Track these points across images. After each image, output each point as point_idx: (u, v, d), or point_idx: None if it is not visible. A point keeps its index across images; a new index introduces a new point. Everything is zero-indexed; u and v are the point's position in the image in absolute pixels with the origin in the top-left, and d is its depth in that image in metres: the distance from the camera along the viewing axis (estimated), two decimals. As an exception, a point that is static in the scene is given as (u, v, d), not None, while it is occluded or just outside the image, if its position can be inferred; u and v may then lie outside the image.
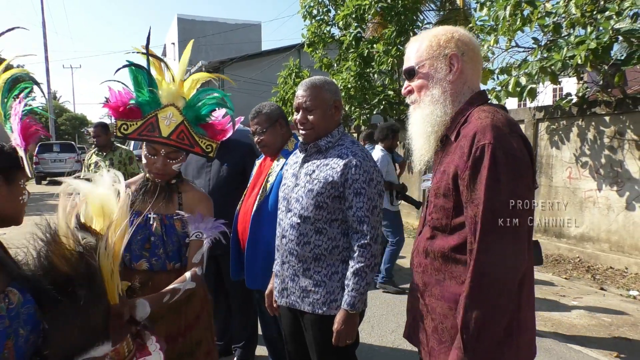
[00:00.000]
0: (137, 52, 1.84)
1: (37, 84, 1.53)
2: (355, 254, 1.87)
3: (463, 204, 1.34)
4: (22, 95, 1.43)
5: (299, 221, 1.97)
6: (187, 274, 1.82)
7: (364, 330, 3.87)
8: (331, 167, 1.92)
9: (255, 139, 2.66)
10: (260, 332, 3.16)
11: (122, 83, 1.89)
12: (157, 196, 1.95)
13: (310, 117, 1.98)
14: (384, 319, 4.28)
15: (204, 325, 2.02)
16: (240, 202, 2.75)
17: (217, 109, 1.98)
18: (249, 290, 2.81)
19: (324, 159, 1.98)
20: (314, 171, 1.97)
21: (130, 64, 1.84)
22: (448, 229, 1.41)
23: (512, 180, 1.26)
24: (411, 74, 1.51)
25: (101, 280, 1.18)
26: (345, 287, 1.88)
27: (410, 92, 1.53)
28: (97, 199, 1.39)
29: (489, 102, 1.49)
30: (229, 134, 2.05)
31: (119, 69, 1.86)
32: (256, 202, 2.55)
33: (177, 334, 1.91)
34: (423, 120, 1.48)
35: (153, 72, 1.87)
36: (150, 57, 1.83)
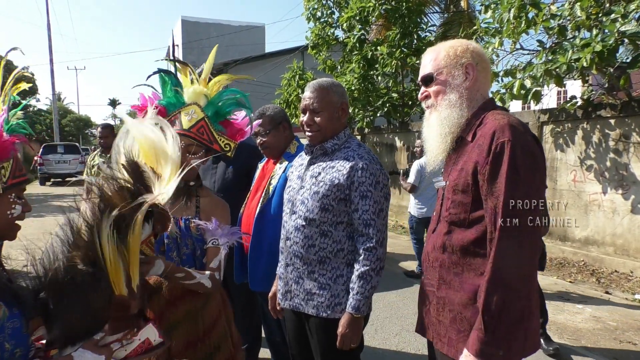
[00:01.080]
0: (167, 60, 1.95)
1: (23, 102, 1.50)
2: (361, 257, 1.86)
3: (482, 198, 1.45)
4: (5, 107, 1.36)
5: (304, 223, 1.96)
6: (207, 272, 1.84)
7: (368, 333, 3.85)
8: (337, 170, 1.91)
9: (258, 140, 2.66)
10: (263, 334, 3.15)
11: (152, 87, 1.97)
12: (176, 198, 1.95)
13: (317, 119, 1.98)
14: (387, 322, 4.26)
15: (223, 331, 1.99)
16: (243, 205, 2.74)
17: (236, 108, 2.04)
18: (252, 292, 2.80)
19: (330, 162, 1.97)
20: (319, 173, 1.96)
21: (160, 71, 1.93)
22: (466, 223, 1.52)
23: (530, 173, 1.40)
24: (428, 80, 1.64)
25: (102, 266, 1.17)
26: (350, 291, 1.87)
27: (427, 97, 1.66)
28: (149, 142, 1.45)
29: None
30: (247, 136, 2.08)
31: (150, 75, 1.95)
32: (259, 205, 2.55)
33: (196, 340, 1.89)
34: (440, 123, 1.61)
35: (179, 76, 1.97)
36: (177, 63, 1.95)
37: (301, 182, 2.03)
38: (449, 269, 1.57)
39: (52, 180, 21.19)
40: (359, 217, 1.88)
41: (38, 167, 20.37)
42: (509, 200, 1.37)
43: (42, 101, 39.86)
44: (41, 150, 20.70)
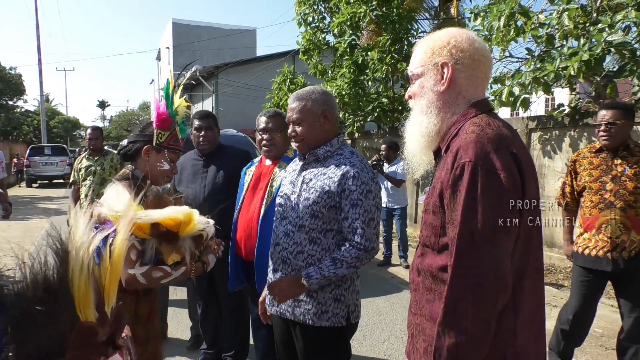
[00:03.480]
0: (182, 83, 2.12)
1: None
2: (343, 248, 1.87)
3: (446, 224, 1.29)
4: None
5: (293, 229, 1.95)
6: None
7: (356, 339, 3.84)
8: (328, 177, 1.91)
9: (266, 136, 2.62)
10: (251, 341, 3.13)
11: (167, 94, 2.05)
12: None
13: (298, 130, 2.00)
14: (376, 328, 4.26)
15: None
16: (238, 210, 2.71)
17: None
18: (242, 299, 2.78)
19: (322, 168, 1.97)
20: (311, 180, 1.96)
21: (167, 84, 2.05)
22: (437, 247, 1.35)
23: (492, 201, 1.20)
24: (408, 79, 1.49)
25: (67, 291, 1.11)
26: (324, 266, 1.87)
27: (410, 97, 1.49)
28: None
29: (492, 110, 1.40)
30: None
31: (180, 84, 2.13)
32: (263, 207, 2.53)
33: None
34: (412, 129, 1.47)
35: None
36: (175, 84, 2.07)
37: (292, 188, 2.03)
38: (422, 294, 1.41)
39: (38, 182, 20.93)
40: (348, 226, 1.87)
41: (24, 169, 20.13)
42: (465, 232, 1.20)
43: (29, 102, 39.49)
44: (28, 151, 20.46)
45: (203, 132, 3.12)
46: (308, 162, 2.04)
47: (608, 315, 4.67)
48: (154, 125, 2.02)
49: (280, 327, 2.10)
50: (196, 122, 3.15)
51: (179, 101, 2.05)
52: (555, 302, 5.08)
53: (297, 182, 2.02)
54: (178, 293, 4.75)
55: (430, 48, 1.40)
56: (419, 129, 1.43)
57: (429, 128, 1.40)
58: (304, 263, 1.93)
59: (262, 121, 2.64)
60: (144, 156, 2.03)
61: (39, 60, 25.52)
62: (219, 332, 3.35)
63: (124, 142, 2.16)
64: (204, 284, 3.29)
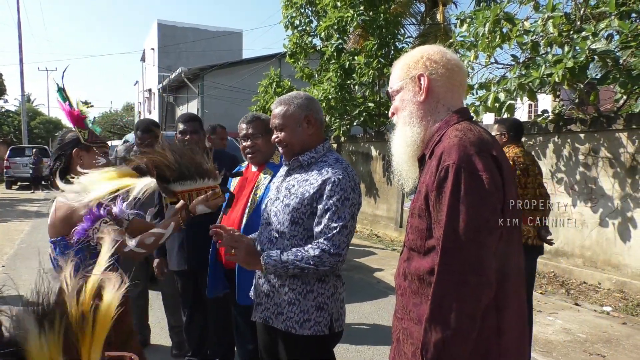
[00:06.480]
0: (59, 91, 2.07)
1: None
2: (309, 245, 1.83)
3: (432, 225, 1.34)
4: None
5: (276, 236, 1.93)
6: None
7: (341, 345, 3.81)
8: (310, 183, 1.89)
9: (248, 143, 2.58)
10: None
11: (63, 97, 2.07)
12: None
13: (281, 135, 1.98)
14: (362, 333, 4.23)
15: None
16: (220, 215, 2.66)
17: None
18: (228, 306, 2.73)
19: (305, 174, 1.95)
20: (293, 186, 1.95)
21: (60, 88, 2.08)
22: (422, 250, 1.39)
23: (475, 201, 1.25)
24: (389, 96, 1.58)
25: None
26: (287, 253, 1.83)
27: (393, 114, 1.57)
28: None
29: (472, 119, 1.48)
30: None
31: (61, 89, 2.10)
32: (245, 215, 2.48)
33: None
34: (397, 142, 1.54)
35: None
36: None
37: (277, 194, 2.01)
38: (409, 298, 1.44)
39: (18, 184, 20.54)
40: (320, 231, 1.83)
41: (5, 170, 19.74)
42: (450, 231, 1.25)
43: (10, 102, 38.71)
44: (8, 152, 20.06)
45: (188, 136, 3.06)
46: (292, 168, 2.02)
47: (591, 320, 4.72)
48: (73, 125, 2.04)
49: (264, 335, 2.07)
50: (181, 126, 3.09)
51: (76, 102, 2.08)
52: (540, 307, 5.11)
53: (281, 188, 2.01)
54: (159, 299, 4.67)
55: (406, 64, 1.50)
56: (404, 140, 1.50)
57: (414, 137, 1.48)
58: None
59: (242, 128, 2.59)
60: (76, 160, 2.01)
61: (21, 59, 25.13)
62: (204, 338, 3.29)
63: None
64: (189, 291, 3.24)
